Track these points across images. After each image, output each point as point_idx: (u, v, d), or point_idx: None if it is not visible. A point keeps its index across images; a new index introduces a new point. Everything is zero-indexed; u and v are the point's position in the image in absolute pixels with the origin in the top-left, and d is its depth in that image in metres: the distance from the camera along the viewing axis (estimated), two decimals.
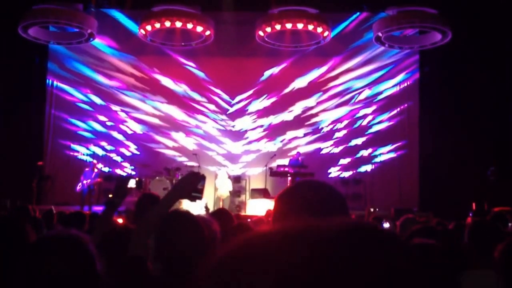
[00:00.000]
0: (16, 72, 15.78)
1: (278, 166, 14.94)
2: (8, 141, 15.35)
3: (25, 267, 1.83)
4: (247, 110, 17.53)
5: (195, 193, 2.70)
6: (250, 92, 17.46)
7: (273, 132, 17.38)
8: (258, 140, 17.42)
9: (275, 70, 17.47)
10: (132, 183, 3.36)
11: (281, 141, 17.34)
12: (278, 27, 15.26)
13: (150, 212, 2.58)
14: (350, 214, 1.55)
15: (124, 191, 3.39)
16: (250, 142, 17.45)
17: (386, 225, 7.36)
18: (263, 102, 17.49)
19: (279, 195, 1.65)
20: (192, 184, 2.61)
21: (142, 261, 2.39)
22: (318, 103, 17.41)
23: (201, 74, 17.48)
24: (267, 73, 17.46)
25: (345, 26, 17.09)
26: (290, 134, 17.32)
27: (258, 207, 13.36)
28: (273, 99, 17.44)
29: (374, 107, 17.28)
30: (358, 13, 17.04)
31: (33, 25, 15.04)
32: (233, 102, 17.55)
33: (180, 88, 17.50)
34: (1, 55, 15.14)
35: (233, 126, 17.53)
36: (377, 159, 16.98)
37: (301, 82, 17.39)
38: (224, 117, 17.57)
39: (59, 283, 1.79)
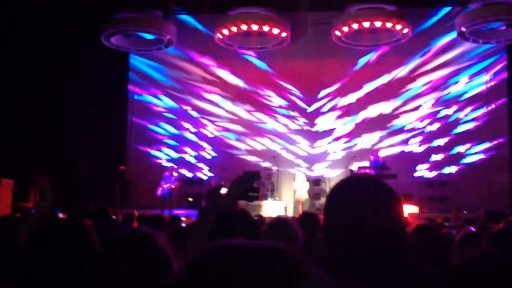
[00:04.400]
0: (99, 81, 16.31)
1: (359, 168, 14.54)
2: (93, 148, 15.88)
3: (96, 264, 1.85)
4: (326, 110, 17.22)
5: (252, 193, 2.64)
6: (328, 91, 17.15)
7: (352, 132, 16.97)
8: (337, 139, 17.05)
9: (353, 69, 17.09)
10: (223, 191, 3.36)
11: (360, 142, 16.86)
12: (355, 26, 14.95)
13: (206, 214, 2.58)
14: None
15: (216, 198, 3.41)
16: (329, 143, 17.11)
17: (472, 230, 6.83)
18: (341, 102, 17.13)
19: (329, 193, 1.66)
20: (248, 184, 2.55)
21: None
22: (399, 103, 16.86)
23: (277, 75, 17.37)
24: (346, 73, 17.10)
25: (426, 22, 16.49)
26: (369, 134, 16.82)
27: None
28: (352, 100, 17.05)
29: (456, 107, 16.55)
30: (442, 9, 16.41)
31: (115, 34, 15.52)
32: (313, 101, 17.24)
33: (258, 90, 17.47)
34: (86, 65, 15.70)
35: (312, 127, 17.25)
36: (464, 160, 16.20)
37: (380, 81, 16.91)
38: (302, 117, 17.33)
39: (130, 281, 1.77)
